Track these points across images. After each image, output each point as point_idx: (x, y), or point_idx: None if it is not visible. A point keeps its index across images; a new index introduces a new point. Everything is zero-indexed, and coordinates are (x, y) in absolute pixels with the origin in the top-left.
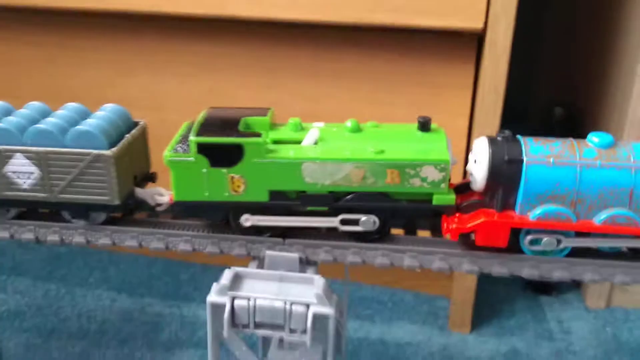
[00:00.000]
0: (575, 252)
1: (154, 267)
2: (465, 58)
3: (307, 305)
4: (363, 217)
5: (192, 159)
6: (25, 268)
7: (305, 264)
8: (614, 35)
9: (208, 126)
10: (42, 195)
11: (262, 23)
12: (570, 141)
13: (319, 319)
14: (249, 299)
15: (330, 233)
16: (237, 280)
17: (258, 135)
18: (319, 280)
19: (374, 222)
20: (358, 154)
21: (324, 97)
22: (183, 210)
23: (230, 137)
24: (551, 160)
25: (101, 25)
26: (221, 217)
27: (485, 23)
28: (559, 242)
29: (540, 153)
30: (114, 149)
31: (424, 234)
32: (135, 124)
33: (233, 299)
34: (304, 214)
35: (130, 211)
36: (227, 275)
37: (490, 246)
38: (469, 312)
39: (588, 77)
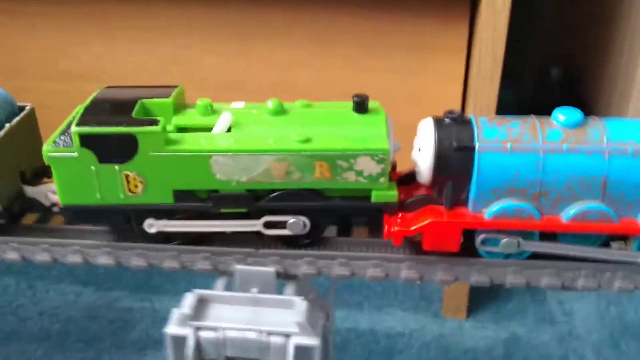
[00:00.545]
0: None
1: None
2: (458, 16)
3: (287, 336)
4: (291, 219)
5: (75, 154)
6: None
7: (282, 278)
8: None
9: (94, 112)
10: None
11: None
12: (532, 120)
13: (302, 351)
14: (215, 330)
15: (248, 237)
16: (201, 306)
17: (154, 122)
18: (300, 304)
19: (304, 225)
20: (279, 143)
21: (299, 65)
22: (73, 216)
23: (120, 126)
24: (508, 145)
25: None
26: (121, 222)
27: None
28: (519, 244)
29: (495, 137)
30: None
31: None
32: (21, 109)
33: (197, 329)
34: (220, 217)
35: (15, 216)
36: (188, 301)
37: (440, 251)
38: (465, 297)
39: (589, 33)
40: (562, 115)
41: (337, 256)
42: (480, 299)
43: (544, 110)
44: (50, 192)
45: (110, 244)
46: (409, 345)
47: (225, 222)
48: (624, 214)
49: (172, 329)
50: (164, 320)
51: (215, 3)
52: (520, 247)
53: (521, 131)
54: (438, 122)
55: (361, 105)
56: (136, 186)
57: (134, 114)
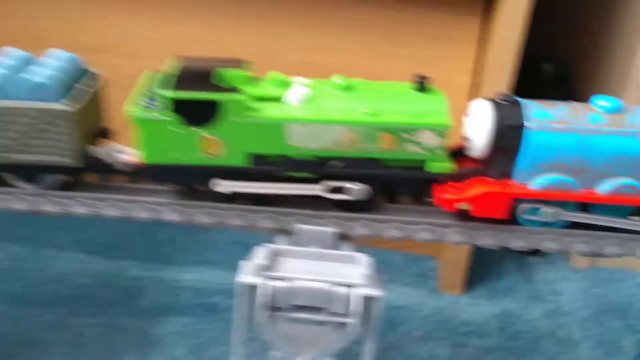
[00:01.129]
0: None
1: (128, 227)
2: (470, 7)
3: (352, 287)
4: (354, 186)
5: (166, 117)
6: None
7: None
8: None
9: (184, 79)
10: None
11: None
12: (574, 105)
13: (367, 300)
14: (286, 280)
15: (306, 200)
16: (272, 258)
17: (236, 90)
18: (364, 259)
19: (366, 191)
20: (349, 115)
21: (320, 48)
22: (154, 175)
23: (210, 91)
24: (556, 126)
25: None
26: (197, 182)
27: None
28: (558, 214)
29: (544, 118)
30: (75, 105)
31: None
32: (90, 73)
33: (269, 279)
34: (286, 181)
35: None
36: (261, 253)
37: (489, 217)
38: (460, 274)
39: (582, 29)
40: (604, 101)
41: (391, 220)
42: (474, 277)
43: None
44: (117, 153)
45: (179, 202)
46: (410, 317)
47: (293, 185)
48: None
49: (245, 277)
50: (171, 289)
51: None
52: (559, 217)
53: (566, 113)
54: (495, 103)
55: (423, 85)
56: (214, 148)
57: (213, 82)
